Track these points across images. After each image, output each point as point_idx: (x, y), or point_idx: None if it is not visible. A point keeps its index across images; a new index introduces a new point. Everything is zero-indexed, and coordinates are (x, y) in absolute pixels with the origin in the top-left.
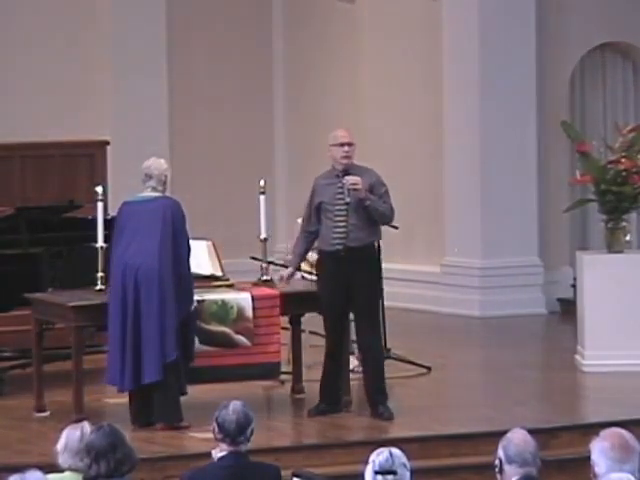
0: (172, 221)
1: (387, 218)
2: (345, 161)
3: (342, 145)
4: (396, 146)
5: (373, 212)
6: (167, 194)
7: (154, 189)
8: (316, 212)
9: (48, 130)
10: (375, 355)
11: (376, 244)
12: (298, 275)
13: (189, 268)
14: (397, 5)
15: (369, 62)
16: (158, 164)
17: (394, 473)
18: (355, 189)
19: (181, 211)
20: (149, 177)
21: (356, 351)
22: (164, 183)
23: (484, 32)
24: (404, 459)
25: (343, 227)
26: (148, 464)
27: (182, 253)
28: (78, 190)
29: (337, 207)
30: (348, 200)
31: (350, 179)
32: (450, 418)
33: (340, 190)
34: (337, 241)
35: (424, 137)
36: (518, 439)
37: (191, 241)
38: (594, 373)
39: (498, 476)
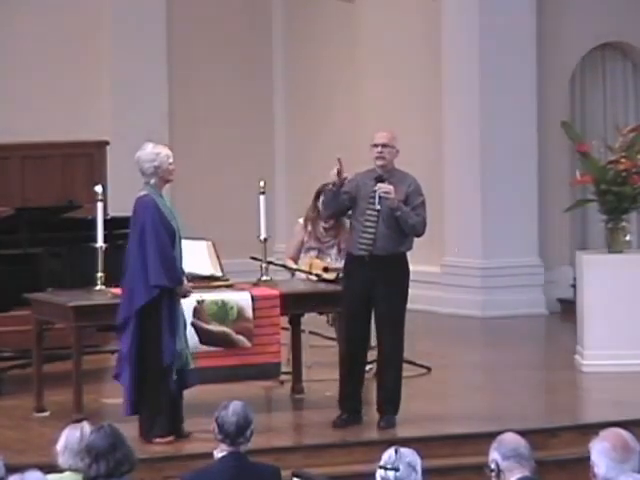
0: (137, 222)
1: (417, 231)
2: (378, 162)
3: (376, 146)
4: None
5: (402, 223)
6: (153, 183)
7: (145, 184)
8: (350, 200)
9: (48, 130)
10: (392, 366)
11: (406, 254)
12: (302, 276)
13: (159, 282)
14: (397, 5)
15: (369, 62)
16: (138, 156)
17: (396, 470)
18: (387, 197)
19: (144, 209)
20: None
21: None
22: (148, 175)
23: (484, 32)
24: (411, 458)
25: (371, 234)
26: (148, 464)
27: (148, 261)
28: (78, 190)
29: (368, 212)
30: (378, 207)
31: (382, 187)
32: (450, 418)
33: (372, 194)
34: (363, 247)
35: (424, 137)
36: (509, 437)
37: (191, 241)
38: (594, 373)
39: None
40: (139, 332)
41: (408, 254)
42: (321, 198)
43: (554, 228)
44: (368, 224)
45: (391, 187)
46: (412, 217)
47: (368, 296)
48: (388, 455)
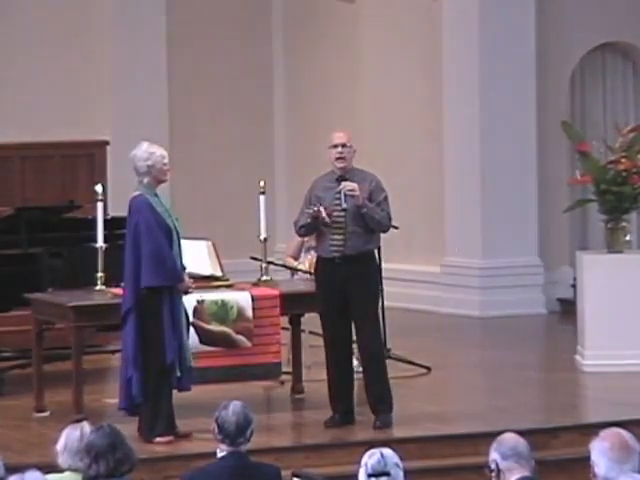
0: (130, 223)
1: (383, 227)
2: (339, 164)
3: (336, 146)
4: (396, 146)
5: (369, 220)
6: (146, 183)
7: (139, 184)
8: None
9: (48, 130)
10: (375, 364)
11: (375, 251)
12: (303, 276)
13: (151, 283)
14: (397, 5)
15: (369, 62)
16: (133, 154)
17: (387, 474)
18: (352, 195)
19: (137, 210)
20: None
21: (356, 351)
22: (142, 173)
23: (484, 32)
24: (396, 459)
25: (341, 234)
26: (148, 464)
27: (141, 266)
28: (78, 190)
29: (335, 213)
30: (345, 206)
31: (347, 185)
32: (450, 418)
33: (338, 195)
34: (334, 248)
35: (424, 137)
36: (509, 437)
37: (191, 241)
38: (594, 373)
39: None
40: (141, 331)
41: (408, 253)
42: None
43: (554, 228)
44: (337, 225)
45: (355, 184)
46: (378, 213)
47: (344, 296)
48: (376, 461)
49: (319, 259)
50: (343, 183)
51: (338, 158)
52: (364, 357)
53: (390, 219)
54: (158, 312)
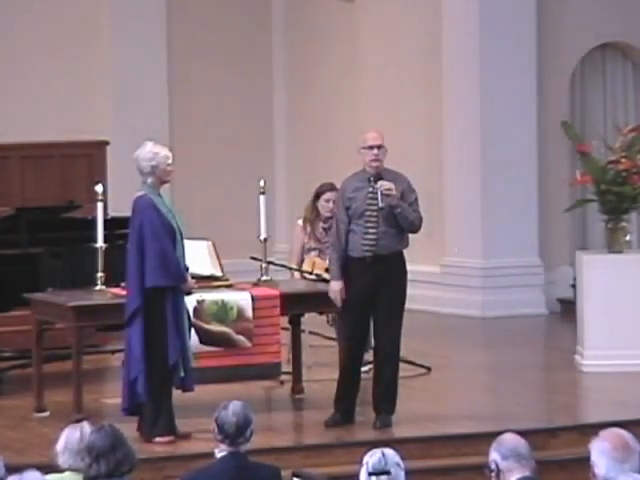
0: (135, 223)
1: (415, 227)
2: (375, 164)
3: (371, 148)
4: (396, 146)
5: (402, 220)
6: (150, 183)
7: (143, 184)
8: (346, 215)
9: (48, 130)
10: (390, 365)
11: (404, 252)
12: (297, 275)
13: (156, 283)
14: (397, 5)
15: (369, 62)
16: (137, 154)
17: (388, 473)
18: (388, 194)
19: (141, 210)
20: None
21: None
22: (145, 174)
23: (484, 32)
24: (397, 458)
25: (373, 234)
26: (148, 464)
27: (146, 266)
28: (78, 190)
29: (368, 213)
30: (382, 205)
31: (384, 184)
32: (450, 418)
33: (371, 195)
34: (366, 248)
35: (424, 137)
36: (509, 437)
37: (191, 241)
38: (594, 373)
39: None
40: (145, 331)
41: (408, 253)
42: (320, 201)
43: (554, 228)
44: (370, 225)
45: (392, 184)
46: (411, 213)
47: (371, 297)
48: (377, 459)
49: (347, 259)
50: (380, 182)
51: (374, 159)
52: (380, 356)
53: (421, 220)
54: (162, 312)
